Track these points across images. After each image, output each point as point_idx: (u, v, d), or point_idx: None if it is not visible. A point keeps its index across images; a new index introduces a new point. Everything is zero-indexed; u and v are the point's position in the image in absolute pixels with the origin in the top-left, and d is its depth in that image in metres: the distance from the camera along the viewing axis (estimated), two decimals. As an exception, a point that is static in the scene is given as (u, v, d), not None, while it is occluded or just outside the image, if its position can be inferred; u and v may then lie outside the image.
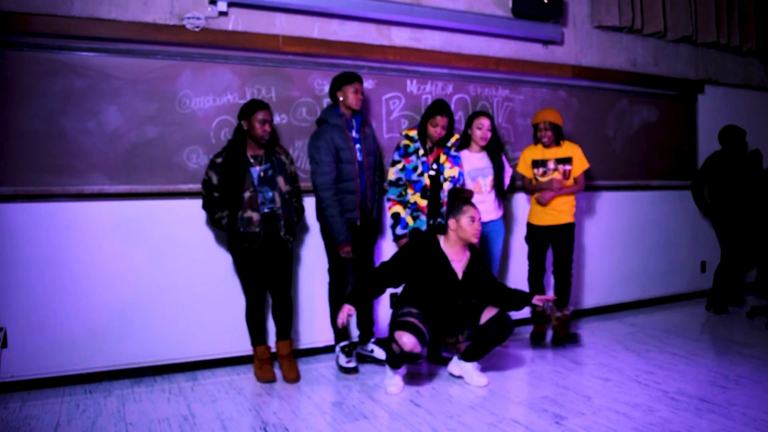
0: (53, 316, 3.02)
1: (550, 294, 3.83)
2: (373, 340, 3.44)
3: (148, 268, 3.21)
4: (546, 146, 3.68)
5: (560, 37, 4.36)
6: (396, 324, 2.88)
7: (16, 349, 2.97)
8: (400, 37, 3.84)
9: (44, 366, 3.02)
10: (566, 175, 3.67)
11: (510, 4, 4.08)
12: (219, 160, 3.03)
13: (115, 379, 3.15)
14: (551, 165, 3.67)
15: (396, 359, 2.88)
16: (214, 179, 3.02)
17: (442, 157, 3.35)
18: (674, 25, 4.81)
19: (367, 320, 3.44)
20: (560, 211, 3.67)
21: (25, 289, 2.98)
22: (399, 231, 3.32)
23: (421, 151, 3.33)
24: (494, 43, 4.16)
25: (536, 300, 3.07)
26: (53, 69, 2.99)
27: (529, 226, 3.79)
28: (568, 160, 3.67)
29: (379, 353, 3.35)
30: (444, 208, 3.30)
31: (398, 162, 3.35)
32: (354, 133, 3.23)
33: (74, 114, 3.03)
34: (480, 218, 2.98)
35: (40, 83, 2.96)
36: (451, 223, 2.98)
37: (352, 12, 3.60)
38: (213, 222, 3.08)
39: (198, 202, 3.28)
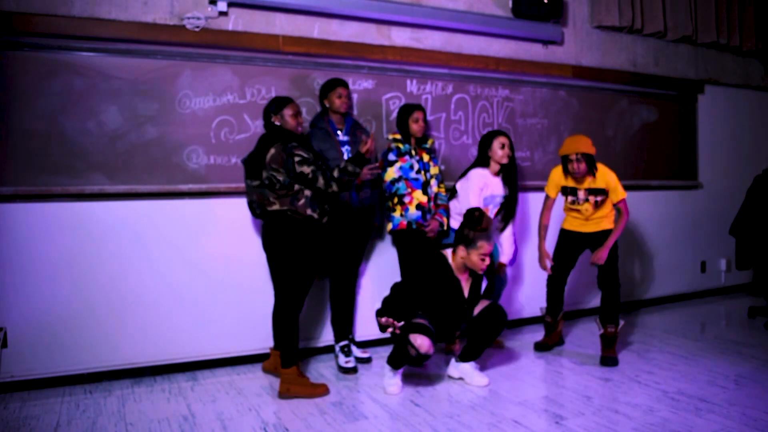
0: (53, 316, 3.02)
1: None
2: (342, 344, 3.35)
3: (147, 268, 3.20)
4: (578, 181, 3.40)
5: (560, 37, 4.36)
6: (407, 327, 2.85)
7: (16, 349, 2.97)
8: (400, 37, 3.84)
9: (44, 366, 3.02)
10: (597, 205, 3.39)
11: (510, 4, 4.09)
12: (306, 155, 2.88)
13: (115, 379, 3.15)
14: (582, 195, 3.41)
15: (411, 362, 2.85)
16: (308, 170, 2.86)
17: (426, 157, 3.48)
18: (674, 25, 4.81)
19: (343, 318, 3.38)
20: (600, 218, 3.43)
21: (25, 289, 2.98)
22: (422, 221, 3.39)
23: (413, 152, 3.43)
24: (494, 43, 4.16)
25: None
26: (54, 69, 2.99)
27: (562, 231, 3.57)
28: (601, 191, 3.38)
29: (342, 359, 3.29)
30: (432, 203, 3.45)
31: (396, 161, 3.38)
32: (342, 136, 3.27)
33: (74, 114, 3.03)
34: (491, 252, 2.91)
35: (41, 83, 2.96)
36: (461, 250, 2.93)
37: (352, 12, 3.60)
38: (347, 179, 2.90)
39: (198, 202, 3.29)
